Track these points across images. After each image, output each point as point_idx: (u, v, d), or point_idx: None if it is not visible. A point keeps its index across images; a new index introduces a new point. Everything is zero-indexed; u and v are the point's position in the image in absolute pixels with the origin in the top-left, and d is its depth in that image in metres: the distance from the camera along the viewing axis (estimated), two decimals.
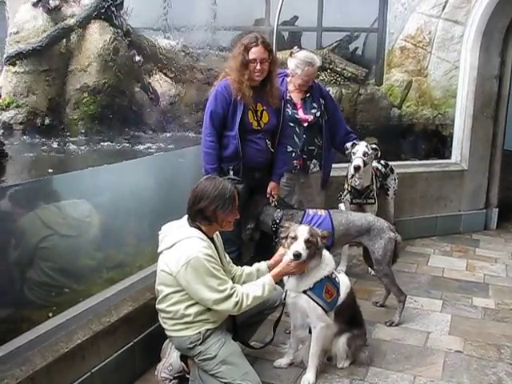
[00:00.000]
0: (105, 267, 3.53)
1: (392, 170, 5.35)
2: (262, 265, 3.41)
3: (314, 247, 3.16)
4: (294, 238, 3.15)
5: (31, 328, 2.79)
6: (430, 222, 6.20)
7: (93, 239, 3.49)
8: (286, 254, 3.21)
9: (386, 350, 3.72)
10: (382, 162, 5.23)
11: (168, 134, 5.28)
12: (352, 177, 4.63)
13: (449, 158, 6.51)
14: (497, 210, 6.56)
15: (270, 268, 3.33)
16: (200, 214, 3.04)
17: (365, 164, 4.49)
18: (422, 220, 6.07)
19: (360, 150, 4.50)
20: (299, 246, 3.11)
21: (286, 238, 3.21)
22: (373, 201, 4.81)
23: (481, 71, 6.13)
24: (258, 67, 3.74)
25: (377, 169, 5.09)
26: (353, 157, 4.52)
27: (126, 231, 3.80)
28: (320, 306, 3.21)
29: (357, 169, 4.48)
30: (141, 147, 4.94)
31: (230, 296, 2.94)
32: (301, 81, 4.42)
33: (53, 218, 3.29)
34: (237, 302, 2.95)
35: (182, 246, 2.97)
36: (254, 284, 3.11)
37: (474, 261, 5.51)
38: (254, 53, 3.74)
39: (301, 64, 4.36)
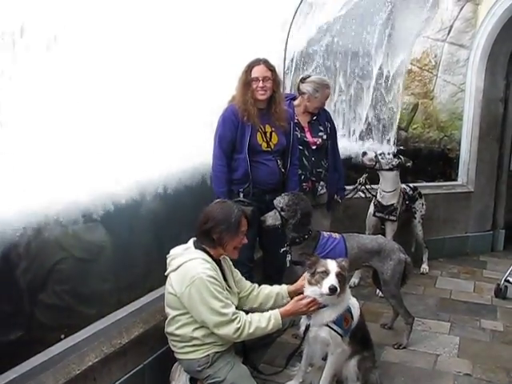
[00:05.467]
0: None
1: (420, 195, 5.54)
2: (283, 288, 3.38)
3: (343, 281, 3.13)
4: (325, 273, 3.09)
5: (44, 350, 2.81)
6: (438, 244, 6.22)
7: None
8: (304, 290, 3.18)
9: (394, 373, 3.72)
10: (411, 185, 5.50)
11: None
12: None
13: (455, 179, 6.58)
14: (504, 231, 6.60)
15: (290, 294, 3.31)
16: (206, 236, 3.07)
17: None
18: (429, 242, 6.07)
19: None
20: (333, 280, 3.06)
21: (314, 273, 3.14)
22: (394, 218, 4.97)
23: (486, 94, 6.22)
24: (261, 84, 3.80)
25: (404, 191, 5.26)
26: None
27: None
28: (340, 334, 3.20)
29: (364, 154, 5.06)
30: None
31: (231, 321, 2.93)
32: (319, 103, 4.46)
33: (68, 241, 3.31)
34: (238, 329, 2.94)
35: (187, 268, 3.00)
36: (259, 315, 3.08)
37: (482, 282, 5.53)
38: (256, 71, 3.82)
39: (319, 87, 4.40)
